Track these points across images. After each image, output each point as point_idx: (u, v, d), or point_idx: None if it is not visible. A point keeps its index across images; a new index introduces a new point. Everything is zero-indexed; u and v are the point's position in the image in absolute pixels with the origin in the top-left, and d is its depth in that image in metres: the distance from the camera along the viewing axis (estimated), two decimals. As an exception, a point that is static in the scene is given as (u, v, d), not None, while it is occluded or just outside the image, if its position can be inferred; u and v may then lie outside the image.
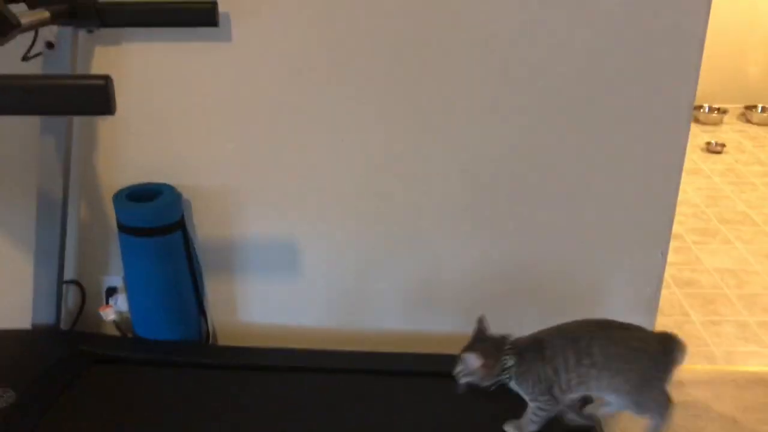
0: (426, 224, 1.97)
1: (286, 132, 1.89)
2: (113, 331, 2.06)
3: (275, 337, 2.09)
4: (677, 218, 1.95)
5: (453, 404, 1.72)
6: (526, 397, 1.63)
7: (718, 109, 4.62)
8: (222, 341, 2.12)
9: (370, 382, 1.83)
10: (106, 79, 1.14)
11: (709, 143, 4.14)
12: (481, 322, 1.65)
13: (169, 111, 1.87)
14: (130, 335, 2.04)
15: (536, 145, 1.86)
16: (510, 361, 1.58)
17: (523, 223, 1.95)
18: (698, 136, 4.28)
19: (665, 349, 1.61)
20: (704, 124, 4.55)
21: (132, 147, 1.91)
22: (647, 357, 1.59)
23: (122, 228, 1.86)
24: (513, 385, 1.62)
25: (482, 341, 1.62)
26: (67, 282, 2.03)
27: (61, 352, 1.89)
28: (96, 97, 1.15)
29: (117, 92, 1.16)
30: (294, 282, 2.06)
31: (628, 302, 2.03)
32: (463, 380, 1.60)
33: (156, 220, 1.85)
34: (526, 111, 1.83)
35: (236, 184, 1.95)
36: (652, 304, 2.04)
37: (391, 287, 2.05)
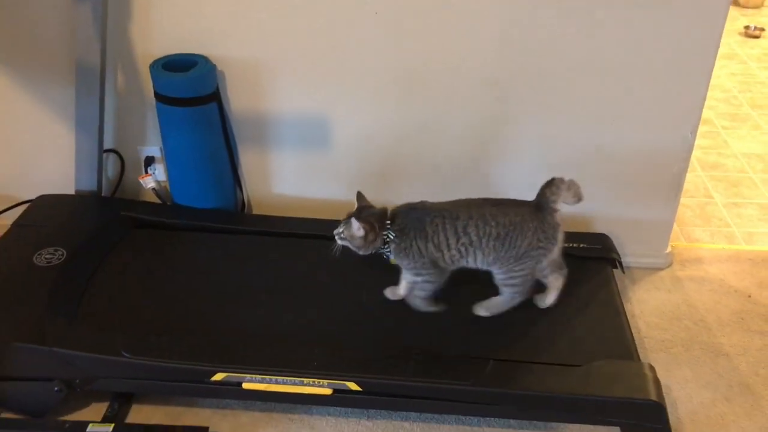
0: (457, 101, 1.99)
1: (319, 4, 1.88)
2: (152, 199, 2.15)
3: (305, 209, 2.16)
4: (708, 103, 1.94)
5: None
6: (408, 272, 1.70)
7: (761, -8, 4.44)
8: (256, 211, 2.21)
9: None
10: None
11: (747, 27, 4.01)
12: (360, 198, 1.71)
13: (202, -20, 1.87)
14: (169, 203, 2.13)
15: (572, 19, 1.84)
16: (391, 235, 1.66)
17: (554, 98, 1.96)
18: (737, 19, 4.14)
19: (543, 218, 1.64)
20: (744, 7, 4.39)
21: (166, 16, 1.92)
22: (523, 233, 1.63)
23: (159, 97, 1.91)
24: (393, 258, 1.69)
25: (368, 212, 1.68)
26: (106, 151, 2.10)
27: (105, 217, 1.99)
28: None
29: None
30: (324, 156, 2.11)
31: (654, 181, 2.06)
32: (340, 242, 1.68)
33: (191, 90, 1.88)
34: (563, -16, 1.80)
35: (269, 56, 1.96)
36: (677, 185, 2.07)
37: (419, 163, 2.10)
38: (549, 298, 1.76)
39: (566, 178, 1.65)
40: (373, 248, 1.67)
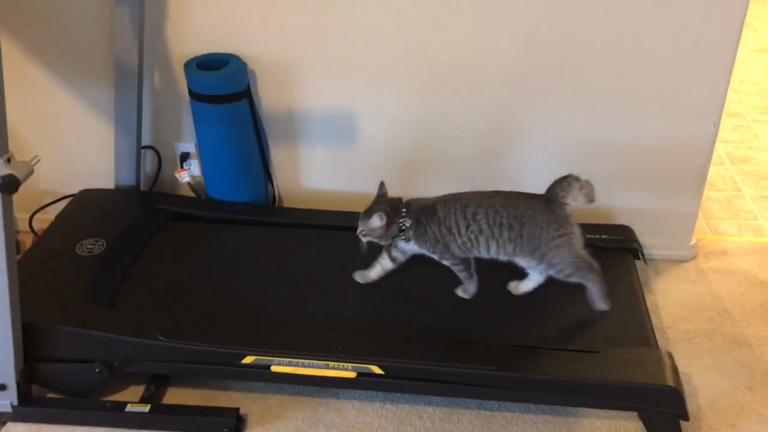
0: (481, 95, 2.03)
1: (345, 3, 1.94)
2: (188, 193, 2.24)
3: (333, 201, 2.23)
4: (738, 96, 1.95)
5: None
6: (434, 256, 1.76)
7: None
8: (285, 204, 2.28)
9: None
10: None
11: (783, 21, 3.97)
12: (381, 186, 1.77)
13: (233, -18, 1.95)
14: (203, 197, 2.22)
15: (593, 13, 1.88)
16: (407, 223, 1.71)
17: (577, 91, 1.99)
18: (772, 13, 4.09)
19: (552, 210, 1.66)
20: (780, 0, 4.34)
21: (199, 18, 2.01)
22: (536, 225, 1.65)
23: (193, 95, 1.99)
24: (412, 245, 1.75)
25: (381, 203, 1.74)
26: (144, 147, 2.19)
27: (143, 210, 2.08)
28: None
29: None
30: (352, 150, 2.17)
31: (677, 173, 2.08)
32: (365, 239, 1.75)
33: (224, 88, 1.97)
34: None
35: (297, 55, 2.03)
36: (701, 176, 2.08)
37: (443, 156, 2.15)
38: (523, 287, 1.79)
39: (582, 177, 1.67)
40: (391, 236, 1.74)
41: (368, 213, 1.73)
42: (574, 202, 1.68)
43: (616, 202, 2.14)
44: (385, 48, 2.00)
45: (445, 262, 1.77)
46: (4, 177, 1.37)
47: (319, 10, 1.96)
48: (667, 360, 1.60)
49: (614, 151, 2.07)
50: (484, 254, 1.73)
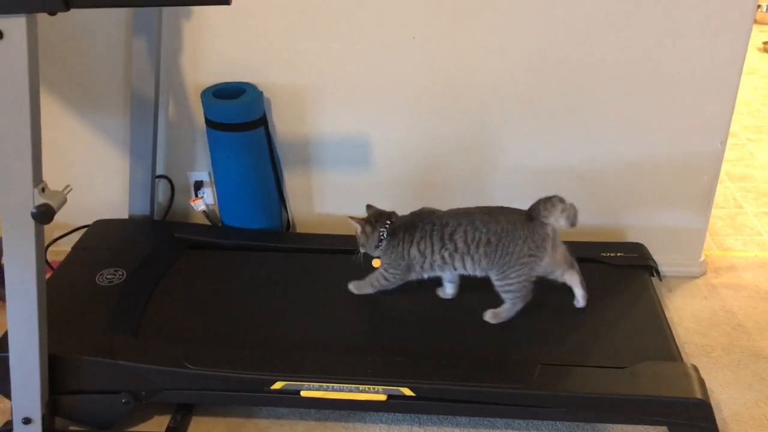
0: (492, 118, 2.07)
1: (359, 32, 1.98)
2: (202, 221, 2.24)
3: (347, 226, 2.23)
4: (732, 117, 2.01)
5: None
6: (381, 266, 1.83)
7: (777, 8, 4.52)
8: (300, 229, 2.29)
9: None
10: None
11: (766, 43, 4.09)
12: (369, 208, 1.84)
13: (249, 13, 1.97)
14: (218, 224, 2.22)
15: (602, 35, 1.93)
16: (384, 234, 1.78)
17: (587, 112, 2.04)
18: (755, 36, 4.21)
19: (533, 228, 1.70)
20: (761, 23, 4.46)
21: (214, 48, 2.03)
22: (514, 240, 1.70)
23: (210, 124, 2.01)
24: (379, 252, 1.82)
25: (372, 211, 1.83)
26: (158, 177, 2.20)
27: (159, 239, 2.08)
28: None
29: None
30: (365, 176, 2.20)
31: (685, 190, 2.12)
32: (362, 250, 1.83)
33: (241, 116, 1.98)
34: (590, 7, 1.88)
35: (312, 83, 2.06)
36: (709, 193, 2.13)
37: (456, 179, 2.18)
38: (578, 296, 1.83)
39: (567, 200, 1.70)
40: (374, 244, 1.79)
41: (351, 218, 1.81)
42: (556, 223, 1.71)
43: (626, 219, 2.18)
44: (398, 75, 2.03)
45: (383, 272, 1.83)
46: (39, 207, 1.37)
47: (333, 39, 1.99)
48: (693, 373, 1.62)
49: (623, 169, 2.11)
50: (459, 270, 1.78)
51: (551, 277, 1.80)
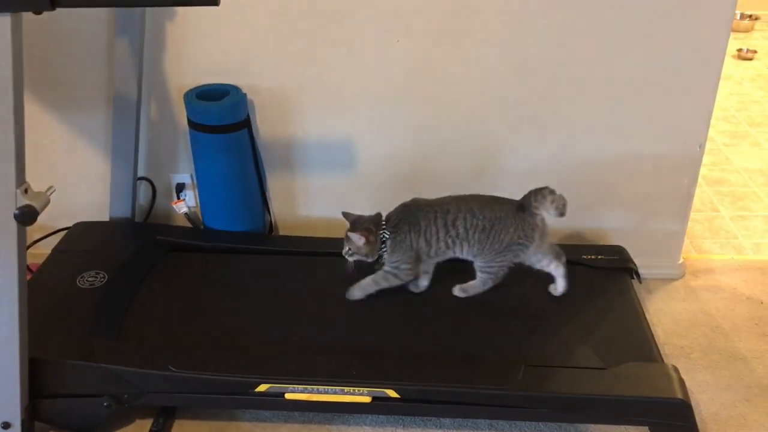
0: (476, 122, 2.08)
1: (343, 35, 1.98)
2: (183, 223, 2.22)
3: (330, 228, 2.24)
4: (708, 122, 2.05)
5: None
6: (388, 265, 1.84)
7: (750, 16, 4.60)
8: (283, 232, 2.28)
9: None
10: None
11: (740, 50, 4.16)
12: (347, 215, 1.84)
13: (233, 15, 1.97)
14: (200, 227, 2.20)
15: (583, 42, 1.95)
16: (386, 234, 1.80)
17: (570, 116, 2.06)
18: (730, 43, 4.26)
19: (524, 217, 1.79)
20: (736, 31, 4.54)
21: (198, 49, 2.02)
22: (505, 228, 1.78)
23: (193, 125, 2.00)
24: (385, 255, 1.83)
25: (363, 220, 1.82)
26: (139, 179, 2.18)
27: (141, 241, 2.06)
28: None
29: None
30: (348, 178, 2.20)
31: (665, 193, 2.15)
32: (351, 259, 1.83)
33: (224, 118, 1.97)
34: (574, 13, 1.90)
35: (296, 85, 2.06)
36: (688, 196, 2.16)
37: (440, 182, 2.18)
38: (559, 286, 1.88)
39: (557, 191, 1.79)
40: (377, 251, 1.80)
41: (352, 232, 1.79)
42: (546, 213, 1.80)
43: (607, 222, 2.21)
44: (382, 77, 2.04)
45: (390, 268, 1.83)
46: (23, 208, 1.36)
47: (318, 41, 1.99)
48: (674, 374, 1.64)
49: (604, 173, 2.13)
50: (456, 255, 1.83)
51: (537, 266, 1.86)
